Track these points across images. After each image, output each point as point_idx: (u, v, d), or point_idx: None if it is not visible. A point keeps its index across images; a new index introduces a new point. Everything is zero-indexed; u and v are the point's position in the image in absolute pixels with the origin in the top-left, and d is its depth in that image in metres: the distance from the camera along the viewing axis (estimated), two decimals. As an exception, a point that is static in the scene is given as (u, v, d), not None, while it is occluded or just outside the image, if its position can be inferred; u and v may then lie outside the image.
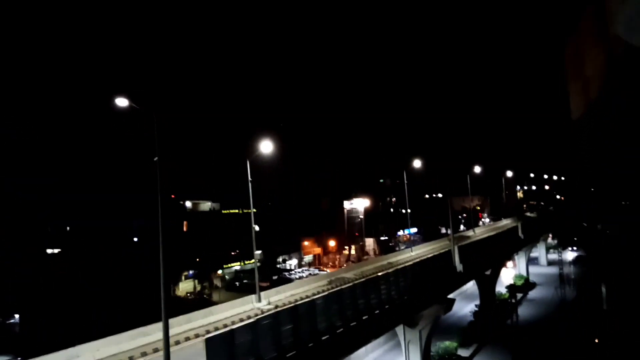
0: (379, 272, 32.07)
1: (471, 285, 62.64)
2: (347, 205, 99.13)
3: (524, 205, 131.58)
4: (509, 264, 79.26)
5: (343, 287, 27.25)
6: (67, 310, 45.88)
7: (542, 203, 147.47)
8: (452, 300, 40.42)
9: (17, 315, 50.41)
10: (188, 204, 73.64)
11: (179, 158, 69.31)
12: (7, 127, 60.25)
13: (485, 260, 52.81)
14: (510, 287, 66.54)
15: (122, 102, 17.18)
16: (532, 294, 67.82)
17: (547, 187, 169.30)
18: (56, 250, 59.55)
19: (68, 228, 62.25)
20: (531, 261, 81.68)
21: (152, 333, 20.77)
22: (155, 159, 16.85)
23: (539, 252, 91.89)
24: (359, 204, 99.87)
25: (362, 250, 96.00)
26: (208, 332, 21.16)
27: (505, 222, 78.90)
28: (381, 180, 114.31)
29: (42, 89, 68.65)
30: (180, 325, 22.27)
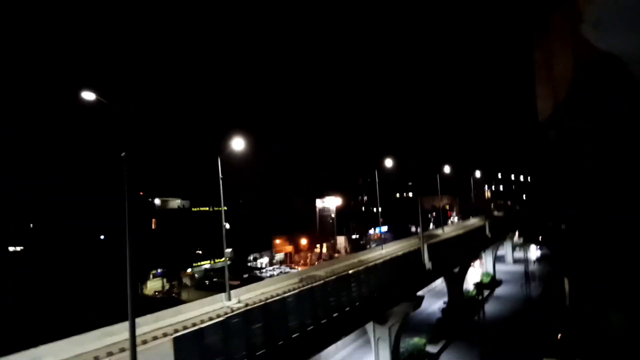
0: (350, 269, 32.21)
1: (440, 283, 63.67)
2: (319, 203, 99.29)
3: (492, 205, 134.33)
4: (477, 262, 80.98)
5: (314, 284, 27.26)
6: (31, 309, 44.50)
7: (509, 203, 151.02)
8: (421, 298, 40.99)
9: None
10: (157, 201, 72.43)
11: (150, 155, 68.11)
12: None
13: (453, 258, 53.73)
14: (478, 285, 67.97)
15: (88, 95, 16.69)
16: (499, 291, 69.42)
17: (514, 187, 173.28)
18: (18, 248, 57.76)
19: (31, 225, 60.41)
20: (498, 259, 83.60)
21: (118, 333, 20.27)
22: (122, 154, 16.47)
23: (505, 250, 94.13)
24: (331, 203, 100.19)
25: (333, 248, 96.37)
26: (176, 331, 20.81)
27: (474, 221, 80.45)
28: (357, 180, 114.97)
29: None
30: (148, 324, 21.80)
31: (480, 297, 59.75)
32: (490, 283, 71.30)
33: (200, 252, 71.54)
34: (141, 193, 69.05)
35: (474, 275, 76.77)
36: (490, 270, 76.93)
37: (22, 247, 58.19)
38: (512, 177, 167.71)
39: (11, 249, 57.38)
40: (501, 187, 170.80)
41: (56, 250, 56.07)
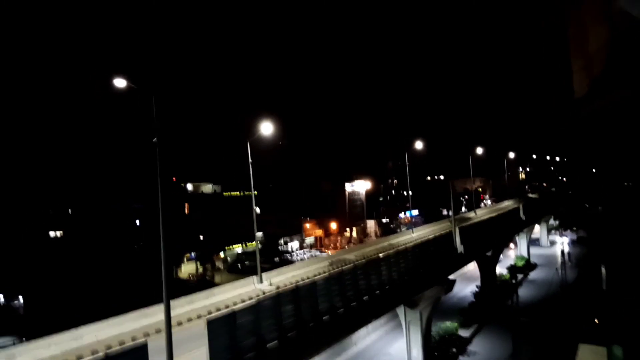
0: (380, 253, 32.14)
1: (472, 267, 62.95)
2: (348, 187, 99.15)
3: (526, 187, 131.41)
4: (510, 245, 79.58)
5: (344, 268, 27.35)
6: (71, 292, 46.29)
7: (544, 184, 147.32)
8: (453, 281, 40.62)
9: (20, 297, 50.91)
10: (189, 186, 73.73)
11: (181, 140, 69.15)
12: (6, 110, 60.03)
13: (486, 241, 52.93)
14: (511, 268, 66.85)
15: (120, 82, 16.96)
16: (533, 274, 68.14)
17: (549, 168, 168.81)
18: (58, 233, 59.90)
19: (70, 211, 62.45)
20: (532, 242, 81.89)
21: (154, 314, 20.87)
22: (154, 139, 16.73)
23: (540, 233, 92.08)
24: (360, 186, 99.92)
25: (363, 232, 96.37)
26: (210, 312, 21.28)
27: (507, 204, 78.82)
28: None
29: (41, 73, 68.17)
30: (182, 306, 22.38)
31: (513, 281, 58.80)
32: (525, 267, 70.02)
33: (234, 235, 72.70)
34: (174, 179, 70.43)
35: (508, 258, 75.50)
36: (525, 254, 75.51)
37: (61, 232, 60.35)
38: (547, 157, 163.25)
39: (52, 234, 59.62)
40: (535, 168, 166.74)
41: (94, 234, 57.95)
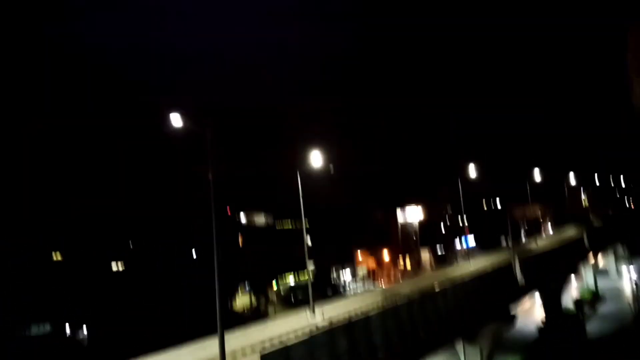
0: (436, 286, 31.23)
1: (536, 299, 59.84)
2: (400, 215, 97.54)
3: (590, 213, 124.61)
4: (575, 276, 75.20)
5: (398, 302, 26.72)
6: (131, 324, 47.62)
7: (610, 210, 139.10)
8: (514, 316, 38.78)
9: (85, 328, 52.82)
10: (242, 218, 74.97)
11: (234, 168, 70.73)
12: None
13: (549, 272, 50.36)
14: (578, 302, 62.96)
15: (176, 120, 17.73)
16: (602, 308, 63.76)
17: (614, 192, 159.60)
18: (120, 265, 62.23)
19: (131, 243, 64.86)
20: (599, 273, 76.99)
21: (210, 347, 21.09)
22: (210, 176, 17.26)
23: (607, 263, 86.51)
24: (413, 214, 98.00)
25: (417, 263, 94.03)
26: (264, 347, 21.27)
27: (570, 232, 75.02)
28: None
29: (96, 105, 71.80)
30: (237, 339, 22.54)
31: (580, 315, 55.26)
32: (592, 300, 65.73)
33: (284, 266, 72.85)
34: (228, 211, 71.88)
35: (573, 291, 71.25)
36: (592, 286, 71.01)
37: (123, 264, 62.68)
38: (612, 181, 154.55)
39: (114, 266, 62.05)
40: (599, 193, 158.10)
41: (153, 267, 59.83)
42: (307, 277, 31.89)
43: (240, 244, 70.45)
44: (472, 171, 49.04)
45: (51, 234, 56.36)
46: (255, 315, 56.53)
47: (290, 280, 73.61)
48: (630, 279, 67.37)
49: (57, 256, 57.72)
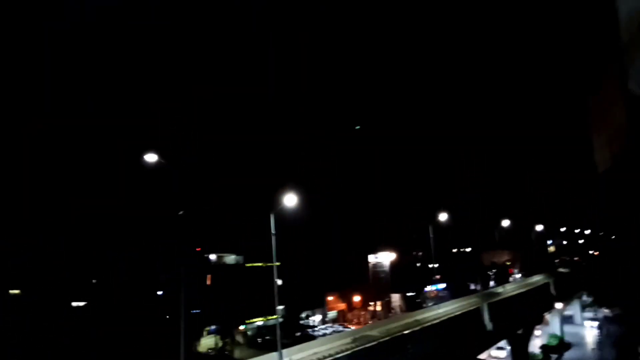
0: (405, 330, 31.05)
1: (503, 345, 59.90)
2: (372, 259, 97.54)
3: (556, 261, 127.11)
4: (542, 322, 75.88)
5: (367, 345, 26.43)
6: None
7: (575, 258, 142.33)
8: (483, 361, 38.65)
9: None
10: (213, 257, 73.72)
11: (205, 210, 70.06)
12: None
13: (516, 318, 50.70)
14: (544, 348, 63.31)
15: (151, 157, 17.71)
16: (568, 355, 64.26)
17: (579, 242, 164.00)
18: (81, 303, 59.97)
19: (94, 281, 62.85)
20: (565, 320, 77.91)
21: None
22: (180, 212, 17.14)
23: (573, 310, 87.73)
24: (384, 258, 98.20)
25: (388, 306, 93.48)
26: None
27: (537, 279, 76.07)
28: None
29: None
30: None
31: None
32: (558, 346, 66.24)
33: (253, 308, 71.39)
34: (199, 249, 70.67)
35: (540, 337, 71.73)
36: (558, 332, 71.65)
37: (85, 303, 60.37)
38: (576, 230, 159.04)
39: (74, 304, 59.66)
40: (565, 242, 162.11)
41: (116, 305, 57.77)
42: (275, 318, 31.31)
43: (209, 283, 68.98)
44: (443, 217, 49.85)
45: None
46: (221, 357, 54.75)
47: (259, 321, 71.96)
48: (593, 326, 68.49)
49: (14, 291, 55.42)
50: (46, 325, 50.42)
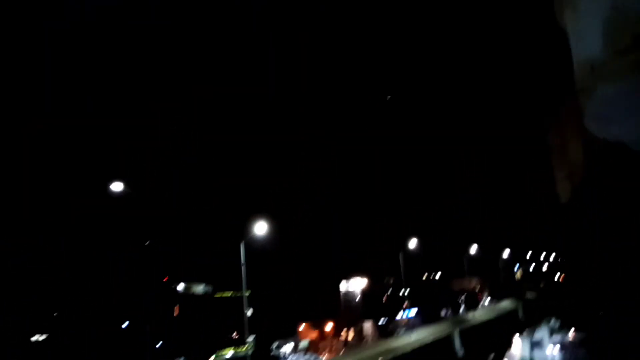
0: (377, 358, 30.91)
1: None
2: (343, 286, 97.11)
3: (523, 286, 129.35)
4: (512, 348, 76.63)
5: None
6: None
7: (542, 284, 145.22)
8: (455, 389, 38.68)
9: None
10: (180, 286, 72.16)
11: (174, 240, 68.87)
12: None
13: (486, 344, 51.17)
14: (515, 374, 63.87)
15: (117, 186, 17.48)
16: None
17: (545, 268, 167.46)
18: (41, 337, 57.54)
19: (55, 314, 60.49)
20: (535, 345, 78.90)
21: None
22: (147, 243, 16.88)
23: (542, 334, 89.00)
24: (355, 285, 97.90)
25: (360, 334, 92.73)
26: None
27: (505, 304, 77.32)
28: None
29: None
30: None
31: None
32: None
33: (223, 339, 69.78)
34: (166, 278, 69.12)
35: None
36: (527, 357, 72.43)
37: (45, 336, 57.90)
38: (542, 256, 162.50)
39: (34, 338, 57.14)
40: (532, 268, 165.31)
41: (79, 338, 55.63)
42: (245, 349, 30.80)
43: (176, 314, 67.28)
44: (413, 245, 50.50)
45: None
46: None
47: (229, 352, 70.25)
48: (563, 350, 69.53)
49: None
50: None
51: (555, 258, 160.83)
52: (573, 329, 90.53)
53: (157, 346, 58.16)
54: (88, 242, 64.32)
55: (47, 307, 59.68)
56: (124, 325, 61.83)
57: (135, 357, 45.16)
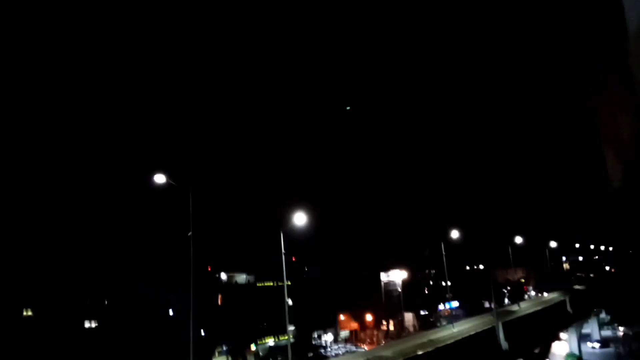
0: (419, 350, 30.54)
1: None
2: (384, 277, 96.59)
3: (572, 278, 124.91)
4: (559, 341, 74.31)
5: (380, 365, 26.02)
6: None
7: (591, 275, 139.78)
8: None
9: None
10: (223, 276, 73.54)
11: (216, 229, 69.97)
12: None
13: (532, 337, 49.69)
14: (563, 367, 61.96)
15: (160, 178, 17.80)
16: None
17: (595, 258, 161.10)
18: (93, 324, 59.89)
19: (106, 302, 62.77)
20: (583, 338, 76.18)
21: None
22: (190, 233, 17.15)
23: (590, 328, 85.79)
24: (396, 276, 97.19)
25: (401, 325, 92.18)
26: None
27: (553, 296, 74.84)
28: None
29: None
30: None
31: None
32: (577, 365, 64.78)
33: (264, 328, 70.74)
34: (209, 268, 70.53)
35: (557, 356, 70.17)
36: (575, 350, 70.03)
37: (96, 323, 60.28)
38: (592, 246, 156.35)
39: (87, 324, 59.60)
40: (580, 258, 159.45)
41: (127, 325, 57.61)
42: (287, 338, 31.04)
43: (220, 303, 68.66)
44: (455, 235, 49.40)
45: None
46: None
47: (270, 341, 71.27)
48: (614, 344, 66.90)
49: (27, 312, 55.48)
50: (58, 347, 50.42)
51: (605, 248, 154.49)
52: (625, 322, 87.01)
53: (201, 334, 59.60)
54: (133, 233, 66.47)
55: (98, 296, 62.10)
56: (170, 313, 63.71)
57: (180, 345, 46.36)
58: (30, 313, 55.09)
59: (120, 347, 53.19)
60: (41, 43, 72.98)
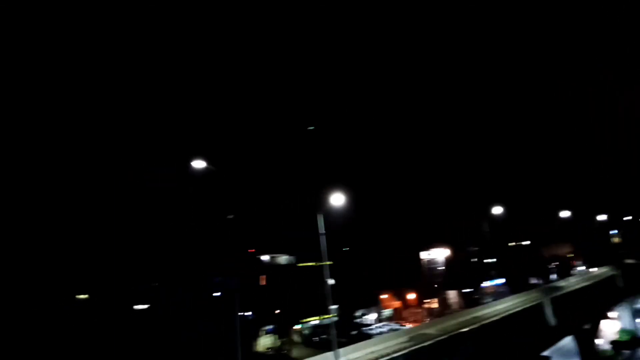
0: (463, 327, 30.26)
1: (569, 342, 57.28)
2: (425, 255, 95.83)
3: (622, 252, 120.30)
4: (611, 317, 72.03)
5: (425, 344, 25.96)
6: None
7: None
8: (548, 359, 37.13)
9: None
10: (266, 257, 74.85)
11: (258, 213, 71.03)
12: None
13: (582, 313, 48.39)
14: (615, 343, 60.02)
15: (199, 164, 18.09)
16: (642, 351, 60.62)
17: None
18: (145, 306, 62.39)
19: (156, 284, 65.17)
20: (636, 313, 73.51)
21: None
22: (230, 216, 17.40)
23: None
24: (438, 254, 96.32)
25: (444, 303, 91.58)
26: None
27: (602, 271, 72.38)
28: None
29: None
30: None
31: (619, 358, 52.58)
32: (631, 341, 62.57)
33: (308, 307, 71.81)
34: (252, 250, 71.92)
35: (609, 332, 68.12)
36: (629, 326, 67.72)
37: (148, 305, 62.78)
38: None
39: (137, 307, 62.19)
40: (630, 232, 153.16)
41: (176, 308, 59.72)
42: (330, 317, 31.36)
43: (263, 284, 70.06)
44: (498, 210, 48.24)
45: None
46: (279, 356, 55.51)
47: (314, 321, 72.36)
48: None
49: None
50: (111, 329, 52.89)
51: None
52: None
53: (247, 314, 61.18)
54: (178, 218, 68.35)
55: (147, 279, 64.57)
56: (216, 295, 65.56)
57: (227, 324, 47.75)
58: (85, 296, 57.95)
59: (168, 328, 55.33)
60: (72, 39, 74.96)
